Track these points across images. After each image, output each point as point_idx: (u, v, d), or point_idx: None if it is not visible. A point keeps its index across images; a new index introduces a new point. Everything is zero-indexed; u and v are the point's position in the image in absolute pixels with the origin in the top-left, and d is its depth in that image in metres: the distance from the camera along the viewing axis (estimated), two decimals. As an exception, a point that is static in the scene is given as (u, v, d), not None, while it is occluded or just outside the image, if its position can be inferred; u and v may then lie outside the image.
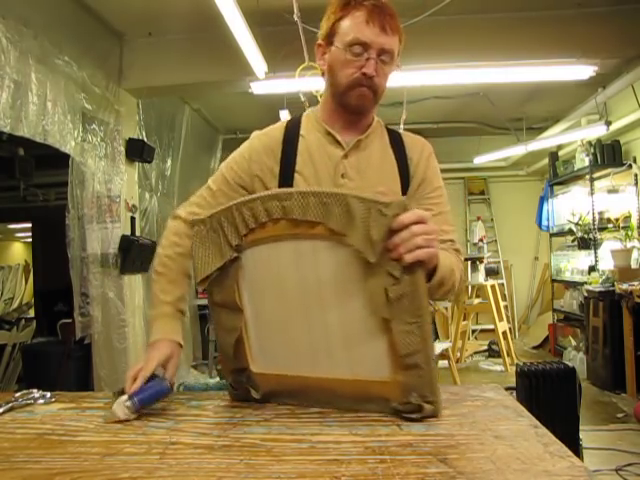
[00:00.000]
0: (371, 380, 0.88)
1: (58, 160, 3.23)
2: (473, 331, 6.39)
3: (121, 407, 0.91)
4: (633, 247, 4.34)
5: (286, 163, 1.12)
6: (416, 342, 0.83)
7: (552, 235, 6.14)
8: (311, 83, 3.21)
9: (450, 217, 1.17)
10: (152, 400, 0.92)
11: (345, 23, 1.07)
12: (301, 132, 1.15)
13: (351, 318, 0.87)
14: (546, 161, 6.03)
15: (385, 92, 1.13)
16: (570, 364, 2.47)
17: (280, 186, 1.10)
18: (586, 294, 4.44)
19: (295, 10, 2.64)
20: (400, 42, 1.11)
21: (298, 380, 0.93)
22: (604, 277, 4.38)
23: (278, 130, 1.17)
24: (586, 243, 4.93)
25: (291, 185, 1.10)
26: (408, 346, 0.83)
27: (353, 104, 1.10)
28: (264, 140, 1.16)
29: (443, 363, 4.30)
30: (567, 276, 5.62)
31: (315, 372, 0.92)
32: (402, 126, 4.40)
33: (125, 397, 0.92)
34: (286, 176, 1.11)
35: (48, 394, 1.07)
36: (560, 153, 5.90)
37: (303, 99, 3.59)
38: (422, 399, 0.86)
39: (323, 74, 1.15)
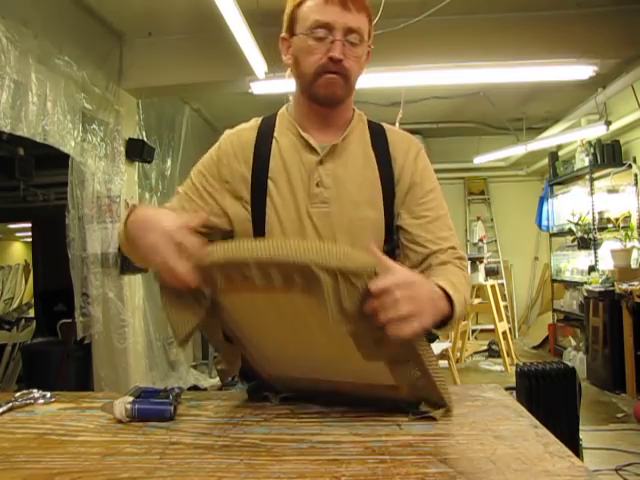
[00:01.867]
0: (380, 384, 0.87)
1: (58, 160, 3.23)
2: (473, 331, 6.39)
3: (121, 406, 0.91)
4: (633, 247, 4.34)
5: (258, 169, 1.02)
6: (416, 375, 0.81)
7: (552, 235, 6.15)
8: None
9: (448, 220, 1.05)
10: (150, 416, 0.91)
11: (304, 8, 0.97)
12: (275, 134, 1.05)
13: (344, 350, 0.80)
14: (546, 161, 6.03)
15: (357, 79, 1.02)
16: (570, 364, 2.47)
17: (252, 194, 1.01)
18: (586, 294, 4.44)
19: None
20: (369, 22, 1.00)
21: (309, 382, 0.93)
22: (604, 277, 4.38)
23: (250, 130, 1.07)
24: (586, 243, 4.93)
25: (264, 193, 1.00)
26: (410, 378, 0.82)
27: (322, 94, 0.98)
28: (234, 141, 1.05)
29: (443, 363, 4.30)
30: (567, 276, 5.62)
31: (324, 376, 0.91)
32: (397, 125, 4.39)
33: (130, 400, 0.92)
34: (259, 183, 1.01)
35: (48, 394, 1.07)
36: (560, 153, 5.90)
37: (291, 99, 3.59)
38: (431, 406, 0.86)
39: (291, 71, 1.04)
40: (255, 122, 1.09)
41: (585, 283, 4.65)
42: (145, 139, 4.00)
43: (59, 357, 3.56)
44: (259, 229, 1.01)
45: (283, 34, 1.03)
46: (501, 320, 5.16)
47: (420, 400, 0.85)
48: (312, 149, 1.02)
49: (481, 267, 5.29)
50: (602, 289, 4.14)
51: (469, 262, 5.30)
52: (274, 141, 1.04)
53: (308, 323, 0.80)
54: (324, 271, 0.71)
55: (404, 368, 0.80)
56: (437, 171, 1.12)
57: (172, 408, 0.92)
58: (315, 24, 0.95)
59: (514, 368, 2.54)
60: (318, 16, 0.94)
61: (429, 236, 1.01)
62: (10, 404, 1.00)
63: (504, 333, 5.10)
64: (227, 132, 1.09)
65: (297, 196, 1.00)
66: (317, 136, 1.03)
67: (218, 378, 4.29)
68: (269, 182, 1.01)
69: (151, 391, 0.99)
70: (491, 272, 5.48)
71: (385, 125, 1.10)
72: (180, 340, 0.85)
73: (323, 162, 1.02)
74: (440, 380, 0.81)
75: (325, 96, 0.99)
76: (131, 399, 0.92)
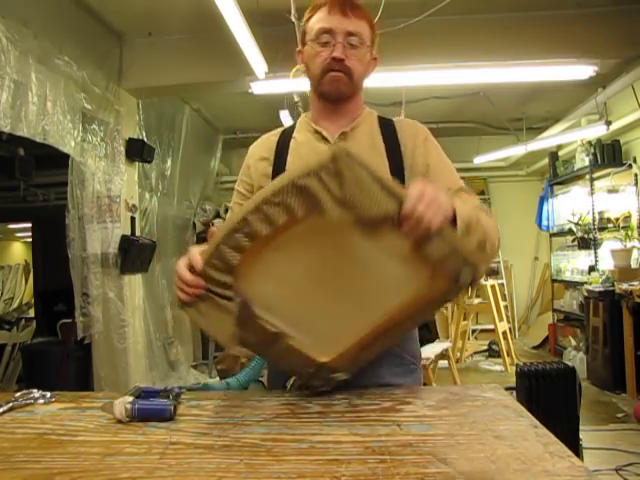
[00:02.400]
0: (415, 297, 0.90)
1: (58, 160, 3.23)
2: (473, 331, 6.39)
3: (121, 406, 0.91)
4: (633, 247, 4.34)
5: (278, 164, 1.15)
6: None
7: (552, 235, 6.14)
8: (308, 83, 3.21)
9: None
10: (150, 415, 0.92)
11: (311, 22, 1.14)
12: (294, 134, 1.19)
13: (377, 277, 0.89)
14: (546, 161, 6.03)
15: (362, 78, 1.15)
16: (570, 364, 2.47)
17: None
18: (586, 294, 4.44)
19: (292, 10, 2.64)
20: (372, 29, 1.14)
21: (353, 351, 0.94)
22: (604, 277, 4.38)
23: (273, 135, 1.22)
24: (586, 243, 4.92)
25: None
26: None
27: (327, 90, 1.12)
28: (259, 145, 1.22)
29: (443, 363, 4.31)
30: (567, 276, 5.61)
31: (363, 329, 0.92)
32: None
33: (130, 399, 0.92)
34: (277, 175, 1.09)
35: (48, 394, 1.07)
36: (560, 153, 5.90)
37: (296, 99, 3.59)
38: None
39: (306, 75, 1.19)
40: (279, 129, 1.24)
41: (585, 283, 4.65)
42: (145, 139, 4.00)
43: (59, 357, 3.56)
44: None
45: (299, 47, 1.20)
46: (501, 320, 5.16)
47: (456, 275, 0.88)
48: (324, 139, 1.15)
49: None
50: (602, 289, 4.14)
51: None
52: (292, 140, 1.18)
53: (338, 258, 0.88)
54: (306, 177, 0.83)
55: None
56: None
57: (172, 408, 0.92)
58: (320, 31, 1.10)
59: (514, 368, 2.54)
60: (322, 24, 1.10)
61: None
62: (10, 404, 1.00)
63: (504, 333, 5.10)
64: (253, 144, 1.24)
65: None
66: (329, 128, 1.15)
67: (218, 378, 4.31)
68: None
69: (151, 391, 0.99)
70: (491, 272, 5.48)
71: (395, 118, 1.21)
72: (228, 346, 0.92)
73: None
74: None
75: (330, 92, 1.12)
76: (131, 399, 0.92)
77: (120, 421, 0.90)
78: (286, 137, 1.19)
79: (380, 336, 0.93)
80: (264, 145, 1.21)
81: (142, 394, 0.96)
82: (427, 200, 0.83)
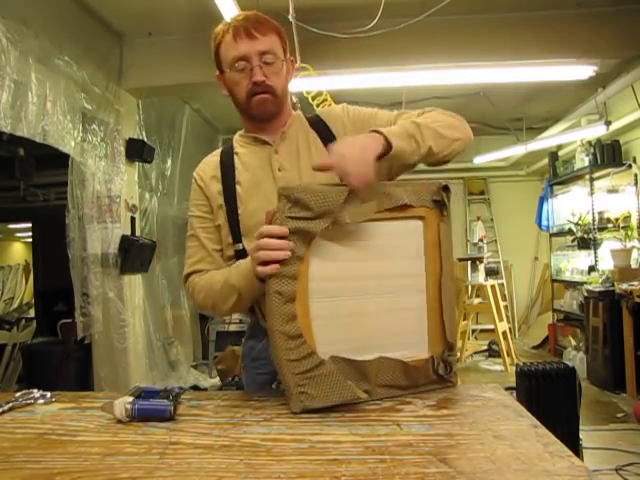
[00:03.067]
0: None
1: (58, 160, 3.23)
2: (473, 331, 6.40)
3: (121, 406, 0.91)
4: (633, 247, 4.34)
5: (226, 179, 1.19)
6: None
7: (552, 235, 6.14)
8: (305, 84, 3.20)
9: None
10: (150, 416, 0.92)
11: (222, 50, 1.16)
12: (235, 150, 1.23)
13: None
14: (546, 161, 6.03)
15: (285, 90, 1.19)
16: (570, 364, 2.47)
17: (225, 200, 1.17)
18: (586, 294, 4.44)
19: (290, 10, 2.64)
20: (281, 38, 1.17)
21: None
22: (604, 277, 4.38)
23: (214, 156, 1.25)
24: (586, 243, 4.93)
25: (234, 196, 1.17)
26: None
27: (256, 112, 1.16)
28: (204, 169, 1.23)
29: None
30: (567, 276, 5.62)
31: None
32: None
33: (130, 399, 0.92)
34: (228, 190, 1.18)
35: (48, 394, 1.07)
36: (560, 153, 5.90)
37: (295, 100, 3.59)
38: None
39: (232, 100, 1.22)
40: (217, 151, 1.27)
41: (585, 283, 4.65)
42: (145, 139, 4.00)
43: (59, 357, 3.56)
44: (234, 225, 1.17)
45: (217, 73, 1.21)
46: (501, 320, 5.16)
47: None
48: (265, 143, 1.19)
49: (481, 267, 5.29)
50: (602, 289, 4.14)
51: (469, 262, 5.30)
52: (235, 155, 1.22)
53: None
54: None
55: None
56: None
57: (172, 408, 0.92)
58: (233, 59, 1.13)
59: (514, 368, 2.54)
60: (233, 52, 1.12)
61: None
62: (10, 404, 1.00)
63: (504, 333, 5.10)
64: (196, 170, 1.26)
65: (263, 186, 1.15)
66: (266, 134, 1.20)
67: (218, 378, 4.31)
68: (237, 186, 1.18)
69: (151, 391, 0.99)
70: (491, 272, 5.48)
71: (318, 110, 1.29)
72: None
73: (278, 151, 1.18)
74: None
75: (259, 114, 1.16)
76: (131, 399, 0.92)
77: (120, 421, 0.90)
78: (228, 155, 1.23)
79: None
80: (209, 165, 1.23)
81: (142, 394, 0.96)
82: (345, 156, 0.93)
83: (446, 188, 1.05)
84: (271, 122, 1.19)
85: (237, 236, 1.16)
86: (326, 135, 1.19)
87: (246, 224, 1.15)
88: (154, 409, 0.92)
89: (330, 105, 3.40)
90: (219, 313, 1.17)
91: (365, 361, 0.98)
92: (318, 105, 3.35)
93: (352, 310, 0.99)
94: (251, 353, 1.25)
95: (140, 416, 0.91)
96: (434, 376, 1.04)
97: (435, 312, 1.05)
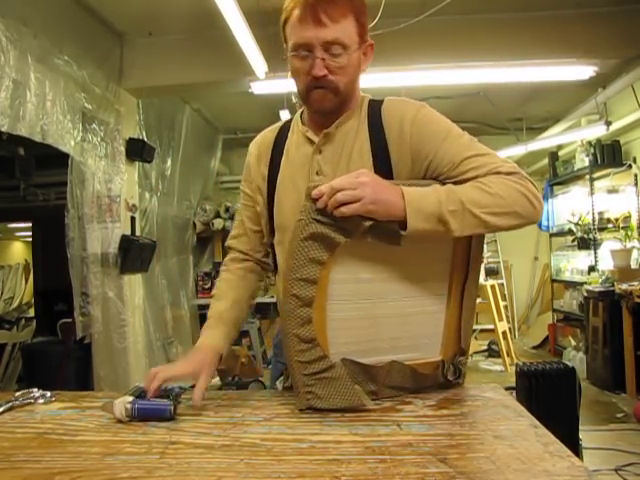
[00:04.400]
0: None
1: (58, 160, 3.23)
2: (473, 331, 6.39)
3: (121, 406, 0.91)
4: (633, 247, 4.34)
5: (273, 166, 1.13)
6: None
7: (552, 235, 6.14)
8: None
9: (474, 146, 1.02)
10: (150, 415, 0.92)
11: (287, 28, 1.02)
12: (289, 133, 1.15)
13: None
14: (546, 161, 6.03)
15: (351, 84, 1.04)
16: (570, 364, 2.46)
17: (268, 188, 1.13)
18: (586, 294, 4.44)
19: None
20: (358, 21, 1.00)
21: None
22: (604, 277, 4.38)
23: (271, 132, 1.18)
24: (586, 243, 4.92)
25: (274, 189, 1.12)
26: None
27: (314, 108, 1.06)
28: (257, 147, 1.19)
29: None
30: (567, 276, 5.61)
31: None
32: None
33: (130, 399, 0.92)
34: (271, 180, 1.13)
35: (48, 394, 1.07)
36: (560, 153, 5.90)
37: (295, 100, 3.59)
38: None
39: None
40: (279, 124, 1.19)
41: (585, 283, 4.65)
42: (145, 139, 4.00)
43: (59, 357, 3.55)
44: (269, 218, 1.14)
45: (285, 46, 1.06)
46: (501, 320, 5.16)
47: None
48: (310, 141, 1.09)
49: (481, 267, 5.28)
50: (602, 289, 4.14)
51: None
52: (288, 140, 1.14)
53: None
54: (306, 228, 0.91)
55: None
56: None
57: (172, 408, 0.92)
58: (295, 47, 1.00)
59: (514, 368, 2.54)
60: (295, 38, 0.99)
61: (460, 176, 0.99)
62: (10, 404, 1.00)
63: (504, 333, 5.10)
64: (253, 143, 1.21)
65: (299, 187, 1.05)
66: (316, 129, 1.09)
67: (218, 378, 4.31)
68: (279, 176, 1.12)
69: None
70: (491, 272, 5.48)
71: (386, 98, 1.09)
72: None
73: (321, 151, 1.08)
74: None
75: (317, 110, 1.07)
76: (131, 399, 0.92)
77: (120, 421, 0.90)
78: (283, 135, 1.15)
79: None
80: (262, 143, 1.17)
81: (142, 394, 0.96)
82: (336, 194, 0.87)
83: None
84: (331, 115, 1.06)
85: (272, 229, 1.14)
86: (377, 138, 1.04)
87: (279, 221, 1.11)
88: (154, 409, 0.92)
89: None
90: None
91: (376, 366, 0.97)
92: None
93: (369, 313, 0.98)
94: (276, 337, 1.26)
95: (140, 416, 0.91)
96: (442, 379, 1.03)
97: (453, 317, 1.03)
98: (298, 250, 0.90)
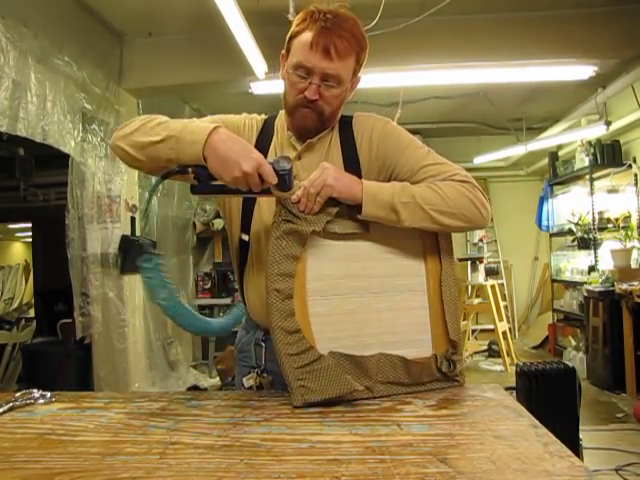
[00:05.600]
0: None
1: (58, 160, 3.23)
2: (473, 331, 6.39)
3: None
4: (633, 247, 4.34)
5: (260, 149, 1.11)
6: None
7: (552, 235, 6.14)
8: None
9: (432, 157, 1.11)
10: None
11: (296, 42, 1.08)
12: (276, 124, 1.20)
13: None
14: (546, 161, 6.03)
15: (335, 112, 1.13)
16: (570, 364, 2.46)
17: None
18: (586, 294, 4.44)
19: (291, 10, 2.64)
20: (357, 59, 1.10)
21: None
22: (604, 277, 4.38)
23: (260, 121, 1.22)
24: (586, 243, 4.92)
25: None
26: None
27: (296, 124, 1.13)
28: (250, 120, 1.21)
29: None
30: (567, 276, 5.61)
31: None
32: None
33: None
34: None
35: (48, 394, 1.07)
36: (560, 153, 5.90)
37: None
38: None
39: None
40: (262, 116, 1.23)
41: (585, 283, 4.65)
42: (145, 139, 3.99)
43: (59, 357, 3.56)
44: (247, 215, 1.16)
45: (283, 51, 1.14)
46: (501, 320, 5.16)
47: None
48: (293, 146, 1.16)
49: (481, 267, 5.29)
50: (602, 289, 4.14)
51: (469, 262, 5.29)
52: (275, 131, 1.19)
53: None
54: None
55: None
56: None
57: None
58: (298, 65, 1.07)
59: (514, 368, 2.54)
60: (302, 59, 1.06)
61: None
62: (10, 404, 1.00)
63: (504, 333, 5.10)
64: (244, 115, 1.23)
65: None
66: (299, 138, 1.16)
67: (218, 378, 4.31)
68: None
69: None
70: (491, 272, 5.48)
71: (356, 113, 1.19)
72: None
73: (300, 157, 1.15)
74: None
75: (299, 126, 1.13)
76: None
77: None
78: (269, 126, 1.20)
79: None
80: (253, 124, 1.20)
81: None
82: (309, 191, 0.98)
83: None
84: (308, 136, 1.14)
85: (247, 227, 1.15)
86: (349, 149, 1.14)
87: (256, 220, 1.14)
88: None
89: None
90: (122, 148, 1.01)
91: (364, 356, 1.00)
92: None
93: (351, 308, 1.03)
94: (239, 344, 1.26)
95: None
96: (438, 374, 1.05)
97: (437, 311, 1.07)
98: (274, 248, 1.00)
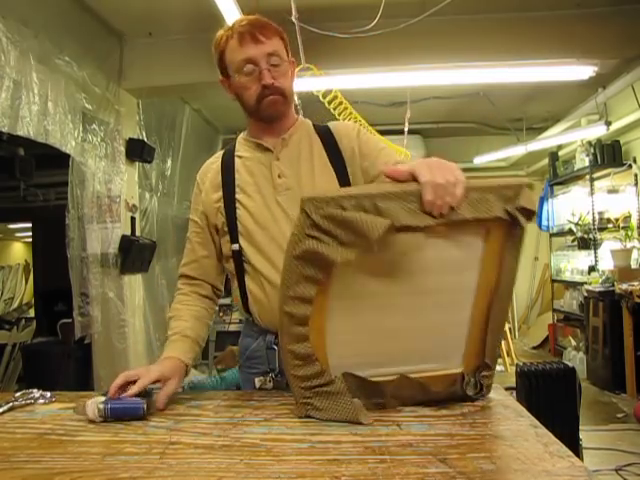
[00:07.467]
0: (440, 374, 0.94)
1: (58, 160, 3.23)
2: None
3: (94, 406, 0.91)
4: (633, 247, 4.34)
5: (227, 182, 1.21)
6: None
7: (552, 235, 6.14)
8: (306, 84, 3.20)
9: (395, 154, 1.24)
10: (123, 415, 0.92)
11: (227, 55, 1.17)
12: (236, 153, 1.25)
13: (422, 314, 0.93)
14: (546, 161, 6.03)
15: (292, 90, 1.21)
16: (570, 364, 2.46)
17: (225, 203, 1.19)
18: (586, 294, 4.44)
19: (293, 11, 2.64)
20: (283, 41, 1.20)
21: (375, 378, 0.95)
22: (604, 277, 4.38)
23: (215, 160, 1.28)
24: (586, 243, 4.92)
25: (233, 199, 1.18)
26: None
27: (268, 113, 1.18)
28: (205, 175, 1.26)
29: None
30: (567, 276, 5.61)
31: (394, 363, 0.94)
32: (407, 125, 4.40)
33: (103, 399, 0.92)
34: (228, 193, 1.20)
35: (48, 394, 1.07)
36: (560, 153, 5.90)
37: (297, 101, 3.58)
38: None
39: (239, 102, 1.24)
40: (219, 153, 1.30)
41: (585, 283, 4.65)
42: (145, 139, 4.00)
43: (59, 357, 3.56)
44: (232, 227, 1.19)
45: (221, 78, 1.23)
46: (501, 320, 5.15)
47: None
48: (267, 149, 1.22)
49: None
50: (602, 289, 4.14)
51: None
52: (237, 158, 1.24)
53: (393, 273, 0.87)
54: (299, 245, 0.83)
55: None
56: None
57: (145, 406, 0.92)
58: (241, 63, 1.14)
59: (514, 368, 2.54)
60: (241, 56, 1.14)
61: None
62: (10, 404, 1.00)
63: (504, 333, 5.10)
64: (199, 173, 1.30)
65: (263, 191, 1.18)
66: (269, 140, 1.22)
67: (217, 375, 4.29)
68: (237, 189, 1.20)
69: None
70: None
71: (330, 122, 1.29)
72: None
73: (279, 157, 1.21)
74: None
75: (271, 115, 1.18)
76: (103, 399, 0.92)
77: (93, 421, 0.90)
78: (229, 157, 1.25)
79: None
80: (210, 172, 1.25)
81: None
82: (439, 182, 0.80)
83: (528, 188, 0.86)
84: (280, 121, 1.21)
85: (234, 237, 1.19)
86: (331, 146, 1.21)
87: (244, 226, 1.18)
88: (127, 408, 0.92)
89: (346, 107, 3.41)
90: None
91: (381, 382, 0.92)
92: (335, 108, 3.35)
93: (370, 327, 0.91)
94: (246, 352, 1.26)
95: (113, 415, 0.91)
96: (460, 393, 0.94)
97: (478, 329, 0.94)
98: (291, 267, 0.84)
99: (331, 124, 1.27)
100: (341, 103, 3.38)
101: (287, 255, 0.84)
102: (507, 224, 0.86)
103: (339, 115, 3.44)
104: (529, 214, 0.85)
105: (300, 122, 1.26)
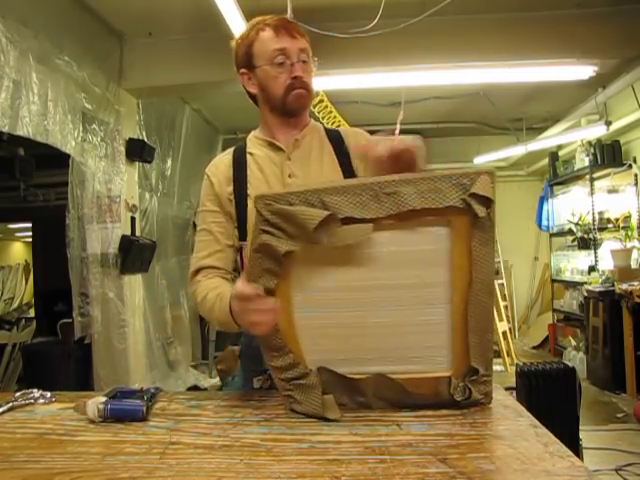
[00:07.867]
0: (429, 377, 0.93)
1: (58, 160, 3.23)
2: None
3: (94, 406, 0.91)
4: (633, 247, 4.34)
5: (239, 177, 1.22)
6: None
7: (552, 235, 6.14)
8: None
9: None
10: (122, 416, 0.92)
11: (258, 45, 1.19)
12: (248, 150, 1.25)
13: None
14: (546, 161, 6.03)
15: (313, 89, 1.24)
16: (570, 364, 2.46)
17: (236, 197, 1.19)
18: (586, 294, 4.44)
19: (288, 11, 2.64)
20: (308, 43, 1.22)
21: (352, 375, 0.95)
22: (604, 277, 4.38)
23: (227, 155, 1.28)
24: (586, 243, 4.92)
25: (245, 195, 1.18)
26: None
27: (294, 107, 1.20)
28: (217, 169, 1.26)
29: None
30: (567, 276, 5.61)
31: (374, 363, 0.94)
32: (399, 126, 4.40)
33: (103, 399, 0.92)
34: (240, 188, 1.20)
35: (48, 394, 1.07)
36: (560, 153, 5.90)
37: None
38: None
39: (253, 98, 1.28)
40: (230, 150, 1.30)
41: (585, 283, 4.65)
42: (145, 139, 4.00)
43: (59, 357, 3.56)
44: (242, 224, 1.19)
45: (242, 70, 1.25)
46: (501, 320, 5.16)
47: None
48: (279, 149, 1.23)
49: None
50: (602, 289, 4.14)
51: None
52: (248, 156, 1.24)
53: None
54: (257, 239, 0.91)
55: None
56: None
57: (145, 408, 0.92)
58: (275, 53, 1.16)
59: (514, 368, 2.54)
60: (276, 45, 1.16)
61: None
62: (10, 404, 1.00)
63: (504, 333, 5.10)
64: (207, 169, 1.29)
65: (273, 189, 1.17)
66: (281, 139, 1.23)
67: (218, 378, 4.30)
68: (248, 185, 1.20)
69: (127, 391, 1.00)
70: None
71: (340, 127, 1.37)
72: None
73: (290, 157, 1.22)
74: None
75: (297, 107, 1.20)
76: (104, 399, 0.92)
77: (93, 421, 0.90)
78: (240, 154, 1.25)
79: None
80: (222, 165, 1.25)
81: (117, 394, 0.97)
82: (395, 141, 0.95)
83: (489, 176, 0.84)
84: (300, 116, 1.24)
85: (243, 234, 1.18)
86: (341, 149, 1.24)
87: (252, 223, 1.15)
88: (127, 409, 0.92)
89: (330, 110, 3.41)
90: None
91: (356, 379, 0.92)
92: (319, 112, 3.35)
93: (347, 322, 0.92)
94: (247, 350, 1.26)
95: (113, 416, 0.91)
96: (447, 397, 0.91)
97: (458, 327, 0.90)
98: (253, 260, 0.91)
99: (342, 129, 1.31)
100: (326, 107, 3.38)
101: (250, 250, 0.92)
102: (470, 214, 0.85)
103: (323, 119, 3.44)
104: (487, 202, 0.84)
105: (312, 125, 1.29)
